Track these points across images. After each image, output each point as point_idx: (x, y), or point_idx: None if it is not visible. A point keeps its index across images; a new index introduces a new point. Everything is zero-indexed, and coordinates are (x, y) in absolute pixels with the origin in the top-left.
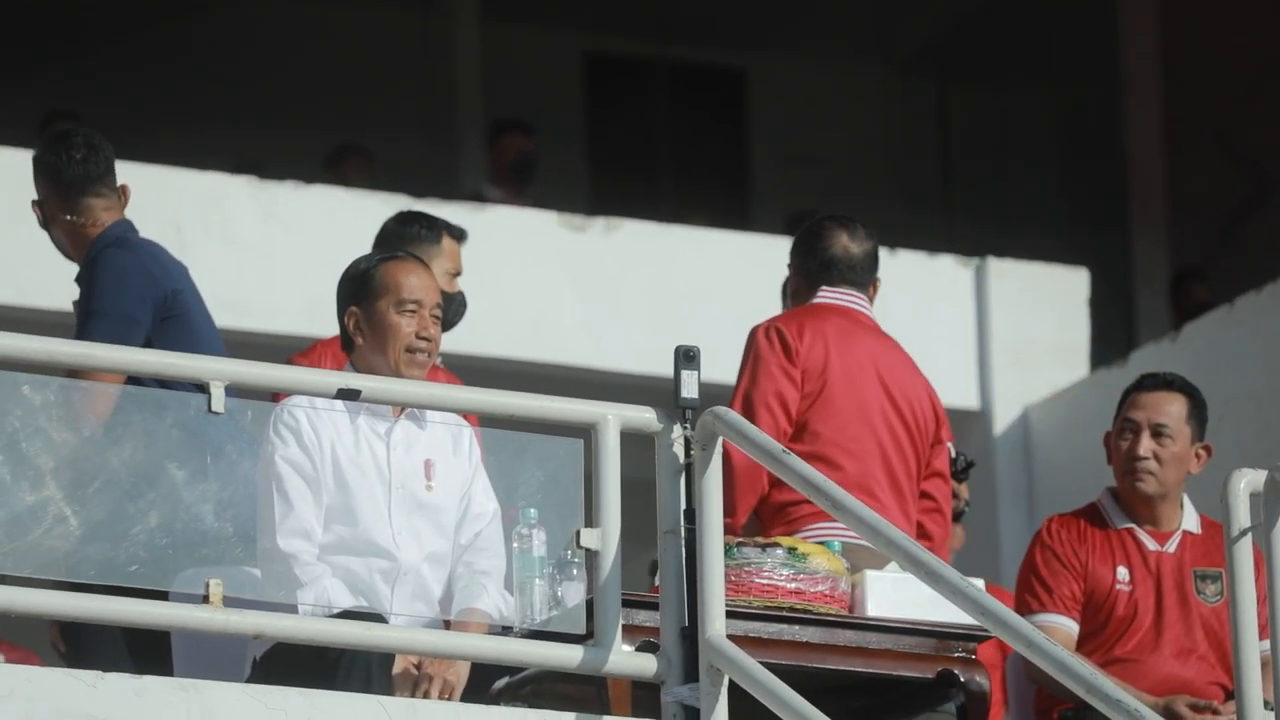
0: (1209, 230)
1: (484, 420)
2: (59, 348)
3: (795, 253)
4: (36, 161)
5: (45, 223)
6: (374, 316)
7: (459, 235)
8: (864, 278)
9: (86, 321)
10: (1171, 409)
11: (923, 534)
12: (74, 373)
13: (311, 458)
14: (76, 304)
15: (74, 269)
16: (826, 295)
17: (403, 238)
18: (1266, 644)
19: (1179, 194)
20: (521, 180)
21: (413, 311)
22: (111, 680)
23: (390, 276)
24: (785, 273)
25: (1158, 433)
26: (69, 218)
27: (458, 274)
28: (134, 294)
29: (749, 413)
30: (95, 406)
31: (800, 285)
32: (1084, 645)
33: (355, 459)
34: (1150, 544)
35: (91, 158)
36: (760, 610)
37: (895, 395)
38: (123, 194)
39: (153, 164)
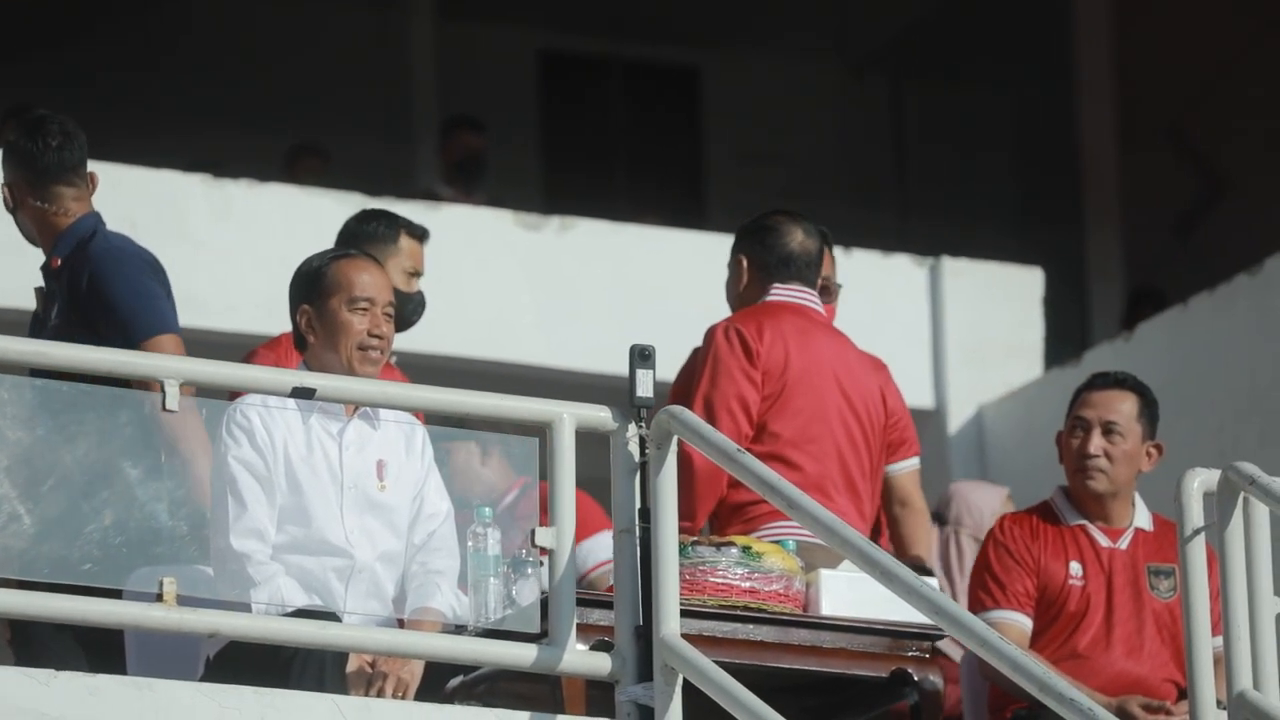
0: (1163, 229)
1: (440, 419)
2: (10, 345)
3: (747, 247)
4: (10, 145)
5: (13, 207)
6: (326, 314)
7: (419, 234)
8: (815, 275)
9: (136, 319)
10: (1122, 407)
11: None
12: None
13: (264, 458)
14: (41, 291)
15: (34, 257)
16: (780, 293)
17: (360, 236)
18: (1219, 641)
19: (1133, 193)
20: (471, 177)
21: (364, 309)
22: (65, 679)
23: (342, 274)
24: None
25: (1108, 430)
26: (39, 204)
27: (416, 274)
28: (151, 274)
29: (710, 417)
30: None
31: (753, 280)
32: (1037, 641)
33: (308, 459)
34: (1103, 540)
35: (66, 146)
36: (715, 609)
37: (851, 394)
38: (91, 182)
39: (108, 161)
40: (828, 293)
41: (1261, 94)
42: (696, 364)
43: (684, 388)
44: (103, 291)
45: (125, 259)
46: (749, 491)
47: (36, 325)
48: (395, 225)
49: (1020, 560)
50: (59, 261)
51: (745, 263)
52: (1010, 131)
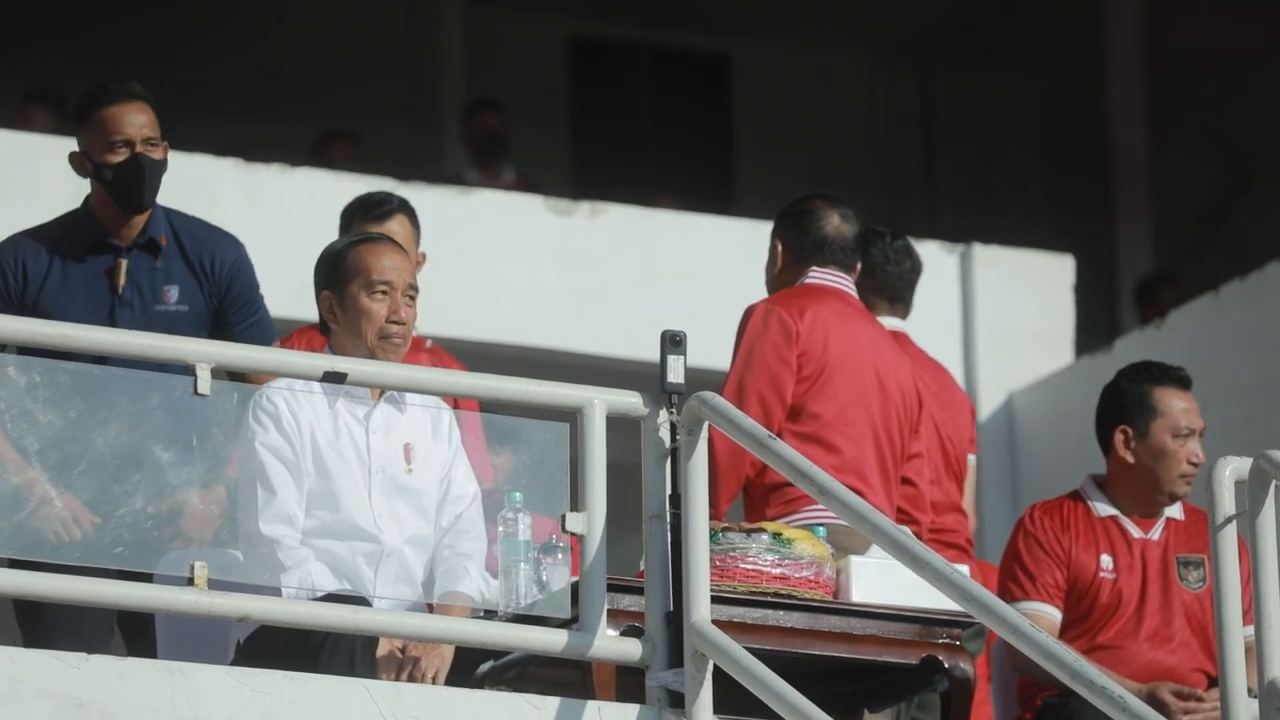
0: (1192, 218)
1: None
2: (42, 329)
3: (783, 231)
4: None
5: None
6: (346, 300)
7: (381, 215)
8: (851, 260)
9: (267, 318)
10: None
11: (908, 519)
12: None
13: (291, 443)
14: (125, 265)
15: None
16: (818, 276)
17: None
18: (1250, 630)
19: (1163, 182)
20: (493, 158)
21: (384, 293)
22: (96, 662)
23: (360, 259)
24: (766, 254)
25: (1200, 435)
26: None
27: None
28: None
29: (740, 401)
30: None
31: (788, 263)
32: (1067, 632)
33: (335, 443)
34: (1135, 531)
35: None
36: (745, 595)
37: (886, 380)
38: None
39: None
40: None
41: None
42: (735, 344)
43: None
44: (248, 285)
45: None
46: None
47: (127, 304)
48: (375, 214)
49: (1050, 551)
50: (166, 239)
51: (780, 246)
52: (1039, 120)
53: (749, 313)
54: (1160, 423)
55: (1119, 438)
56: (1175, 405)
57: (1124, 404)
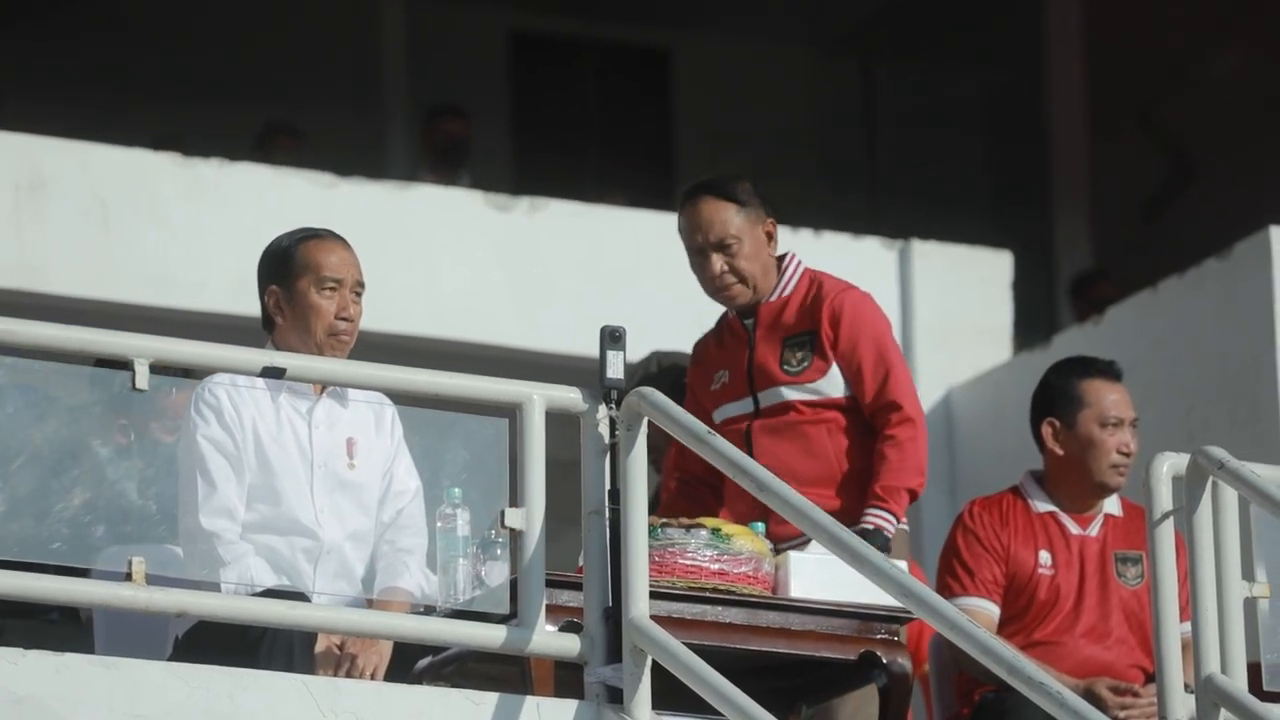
0: (1132, 213)
1: (410, 399)
2: None
3: (772, 210)
4: None
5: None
6: (294, 296)
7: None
8: None
9: None
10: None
11: None
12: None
13: (233, 436)
14: None
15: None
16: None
17: None
18: (1187, 626)
19: (1103, 176)
20: (453, 164)
21: (333, 290)
22: (33, 658)
23: (310, 255)
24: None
25: (1133, 425)
26: None
27: None
28: None
29: (911, 384)
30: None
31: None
32: (1005, 628)
33: (277, 437)
34: (1073, 528)
35: None
36: (683, 591)
37: None
38: None
39: (77, 140)
40: None
41: (1231, 77)
42: (877, 334)
43: (879, 354)
44: None
45: None
46: None
47: None
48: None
49: (989, 547)
50: None
51: (774, 226)
52: (980, 114)
53: (862, 300)
54: (1087, 413)
55: (1047, 430)
56: (1103, 396)
57: (1051, 397)
